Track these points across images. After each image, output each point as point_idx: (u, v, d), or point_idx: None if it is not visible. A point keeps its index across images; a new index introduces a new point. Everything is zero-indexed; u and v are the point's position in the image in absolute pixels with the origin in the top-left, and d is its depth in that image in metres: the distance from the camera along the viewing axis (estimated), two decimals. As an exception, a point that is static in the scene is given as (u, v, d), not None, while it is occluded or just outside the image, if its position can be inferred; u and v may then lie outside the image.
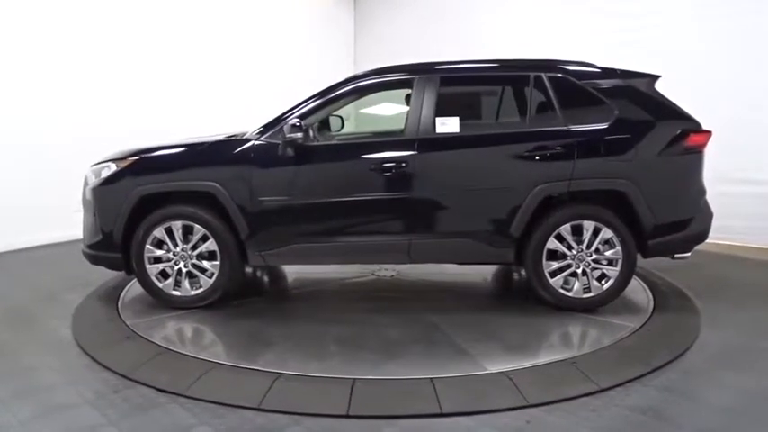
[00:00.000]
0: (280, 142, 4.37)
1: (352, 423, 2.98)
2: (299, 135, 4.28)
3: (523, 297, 4.74)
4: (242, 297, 4.87)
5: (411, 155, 4.32)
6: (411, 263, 4.52)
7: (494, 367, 3.51)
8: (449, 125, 4.38)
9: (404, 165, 4.30)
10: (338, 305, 4.76)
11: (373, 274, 5.46)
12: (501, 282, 5.49)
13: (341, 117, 5.55)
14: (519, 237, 4.37)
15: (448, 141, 4.39)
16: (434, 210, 4.37)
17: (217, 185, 4.37)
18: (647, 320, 4.29)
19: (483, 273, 5.56)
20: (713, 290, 5.12)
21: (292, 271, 5.80)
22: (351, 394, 3.21)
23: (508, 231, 4.35)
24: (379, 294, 5.02)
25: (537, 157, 4.29)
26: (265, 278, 5.84)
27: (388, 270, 5.55)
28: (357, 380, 3.35)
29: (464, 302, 4.77)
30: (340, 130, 5.52)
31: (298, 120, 4.32)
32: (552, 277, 4.39)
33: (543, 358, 3.65)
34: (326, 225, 4.44)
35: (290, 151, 4.37)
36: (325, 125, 5.10)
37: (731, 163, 6.28)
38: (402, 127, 4.46)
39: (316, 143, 4.48)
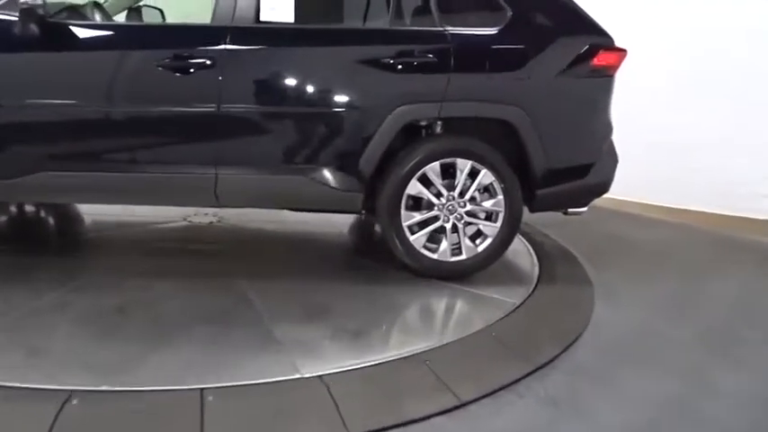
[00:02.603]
0: (14, 17, 2.85)
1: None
2: (39, 2, 2.78)
3: (384, 260, 3.54)
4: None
5: (220, 50, 2.96)
6: (219, 206, 3.21)
7: (308, 368, 2.32)
8: (279, 11, 3.05)
9: (208, 63, 2.94)
10: (119, 263, 3.39)
11: (186, 219, 4.10)
12: (360, 237, 4.32)
13: (160, 10, 4.07)
14: (371, 176, 3.17)
15: (276, 35, 3.07)
16: (251, 132, 3.07)
17: None
18: (531, 293, 3.28)
19: (338, 223, 4.35)
20: (606, 253, 4.23)
21: (93, 212, 4.33)
22: (55, 419, 1.92)
23: (356, 168, 3.13)
24: (185, 247, 3.70)
25: (399, 66, 3.07)
26: (50, 220, 4.38)
27: (207, 215, 4.20)
28: (76, 392, 2.05)
29: (299, 263, 3.55)
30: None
31: (47, -19, 2.82)
32: (413, 233, 3.25)
33: (385, 353, 2.51)
34: (90, 147, 3.03)
35: (31, 30, 2.87)
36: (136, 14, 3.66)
37: (625, 107, 5.38)
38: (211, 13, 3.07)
39: (70, 21, 3.00)
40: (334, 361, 2.39)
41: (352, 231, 4.35)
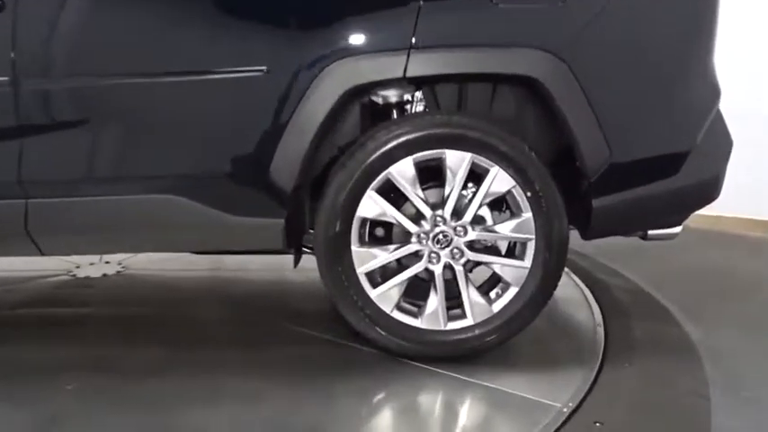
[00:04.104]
0: None
1: None
2: None
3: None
4: None
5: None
6: (40, 253, 1.90)
7: None
8: None
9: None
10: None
11: (70, 272, 2.80)
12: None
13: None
14: (294, 189, 1.82)
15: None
16: (79, 124, 1.78)
17: None
18: (593, 384, 1.82)
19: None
20: (713, 299, 2.68)
21: None
22: None
23: (265, 176, 1.79)
24: (42, 315, 2.41)
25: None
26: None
27: (110, 263, 2.89)
28: None
29: (214, 336, 2.20)
30: None
31: None
32: (375, 285, 1.86)
33: None
34: None
35: None
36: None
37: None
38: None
39: None
40: None
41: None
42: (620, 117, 1.91)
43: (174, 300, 2.52)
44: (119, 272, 2.79)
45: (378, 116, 1.98)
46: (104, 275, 2.75)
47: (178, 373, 1.87)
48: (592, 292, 2.60)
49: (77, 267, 2.81)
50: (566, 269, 2.13)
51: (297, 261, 1.99)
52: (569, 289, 2.59)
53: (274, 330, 2.21)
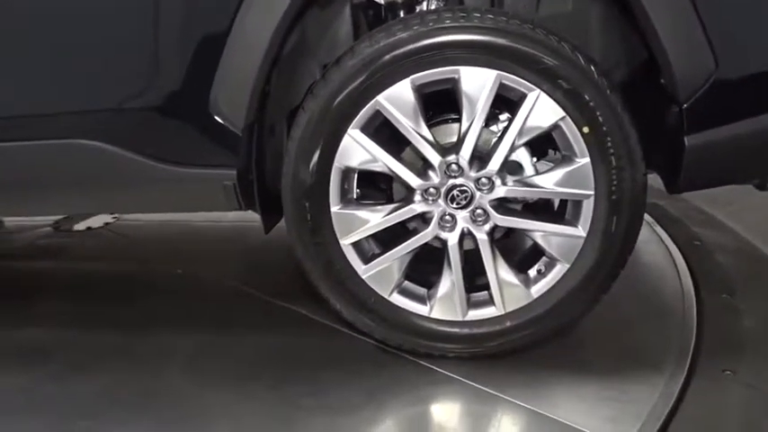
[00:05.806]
0: None
1: None
2: None
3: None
4: None
5: None
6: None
7: None
8: None
9: None
10: None
11: (55, 224, 2.43)
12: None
13: None
14: (250, 127, 1.31)
15: None
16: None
17: None
18: (673, 411, 1.24)
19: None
20: None
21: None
22: None
23: (203, 109, 1.29)
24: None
25: None
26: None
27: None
28: None
29: (179, 315, 1.77)
30: None
31: None
32: (366, 260, 1.35)
33: None
34: None
35: None
36: None
37: None
38: None
39: None
40: None
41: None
42: (735, 10, 1.26)
43: (154, 262, 2.09)
44: (107, 223, 2.39)
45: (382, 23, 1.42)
46: (88, 228, 2.36)
47: (113, 368, 1.46)
48: (682, 252, 1.96)
49: (66, 218, 2.44)
50: (645, 218, 1.55)
51: (268, 226, 1.49)
52: (650, 248, 1.97)
53: (258, 307, 1.75)
